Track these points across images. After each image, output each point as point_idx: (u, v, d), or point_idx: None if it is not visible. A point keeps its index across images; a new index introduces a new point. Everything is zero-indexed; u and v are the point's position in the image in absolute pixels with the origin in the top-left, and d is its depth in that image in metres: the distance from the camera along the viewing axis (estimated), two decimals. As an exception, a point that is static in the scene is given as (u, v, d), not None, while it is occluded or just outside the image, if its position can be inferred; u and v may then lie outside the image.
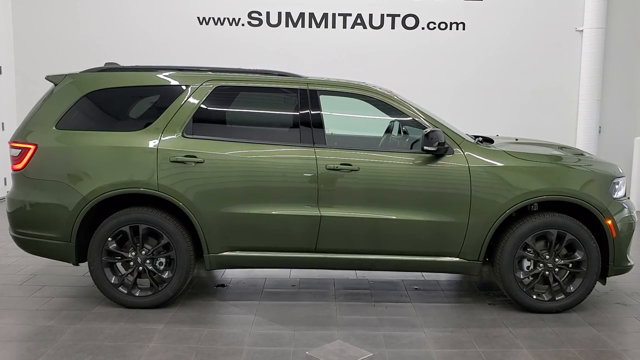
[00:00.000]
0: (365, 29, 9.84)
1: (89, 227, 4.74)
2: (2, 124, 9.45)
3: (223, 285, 5.41)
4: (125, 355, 3.88)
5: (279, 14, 9.83)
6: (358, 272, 5.81)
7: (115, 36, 9.76)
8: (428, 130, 4.61)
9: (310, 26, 9.83)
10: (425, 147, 4.60)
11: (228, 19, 9.82)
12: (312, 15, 9.81)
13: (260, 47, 9.71)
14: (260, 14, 9.84)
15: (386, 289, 5.37)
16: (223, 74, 4.92)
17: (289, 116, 5.02)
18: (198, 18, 9.81)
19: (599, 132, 9.81)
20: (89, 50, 9.52)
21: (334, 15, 9.82)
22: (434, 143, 4.56)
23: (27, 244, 4.86)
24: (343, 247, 4.76)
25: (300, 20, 9.83)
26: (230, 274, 5.74)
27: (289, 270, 5.81)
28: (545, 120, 9.87)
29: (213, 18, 9.81)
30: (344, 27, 9.84)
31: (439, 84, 9.78)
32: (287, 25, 9.85)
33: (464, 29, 9.84)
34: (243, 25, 9.84)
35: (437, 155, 4.67)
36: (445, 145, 4.63)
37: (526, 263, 4.76)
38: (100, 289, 4.73)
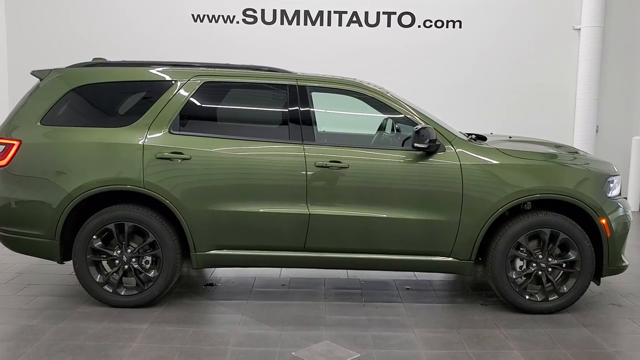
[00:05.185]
0: (360, 27, 9.76)
1: (74, 224, 4.66)
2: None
3: (212, 285, 5.33)
4: (107, 355, 3.80)
5: (274, 11, 9.75)
6: (350, 271, 5.73)
7: (109, 34, 9.67)
8: (419, 127, 4.52)
9: (305, 24, 9.76)
10: (416, 144, 4.50)
11: (223, 16, 9.74)
12: (307, 12, 9.74)
13: (255, 45, 9.62)
14: (255, 11, 9.76)
15: (377, 289, 5.29)
16: (211, 69, 4.85)
17: (278, 113, 4.95)
18: (192, 15, 9.73)
19: (597, 131, 9.73)
20: (82, 48, 9.39)
21: (329, 12, 9.74)
22: (425, 140, 4.47)
23: (12, 242, 4.77)
24: (332, 245, 4.68)
25: (295, 17, 9.75)
26: (220, 273, 5.66)
27: (279, 269, 5.73)
28: (542, 119, 9.78)
29: (207, 15, 9.73)
30: (340, 24, 9.76)
31: (436, 82, 9.70)
32: (282, 23, 9.78)
33: (460, 27, 9.77)
34: (238, 22, 9.77)
35: (428, 152, 4.59)
36: (437, 143, 4.53)
37: (519, 263, 4.67)
38: (85, 287, 4.65)
